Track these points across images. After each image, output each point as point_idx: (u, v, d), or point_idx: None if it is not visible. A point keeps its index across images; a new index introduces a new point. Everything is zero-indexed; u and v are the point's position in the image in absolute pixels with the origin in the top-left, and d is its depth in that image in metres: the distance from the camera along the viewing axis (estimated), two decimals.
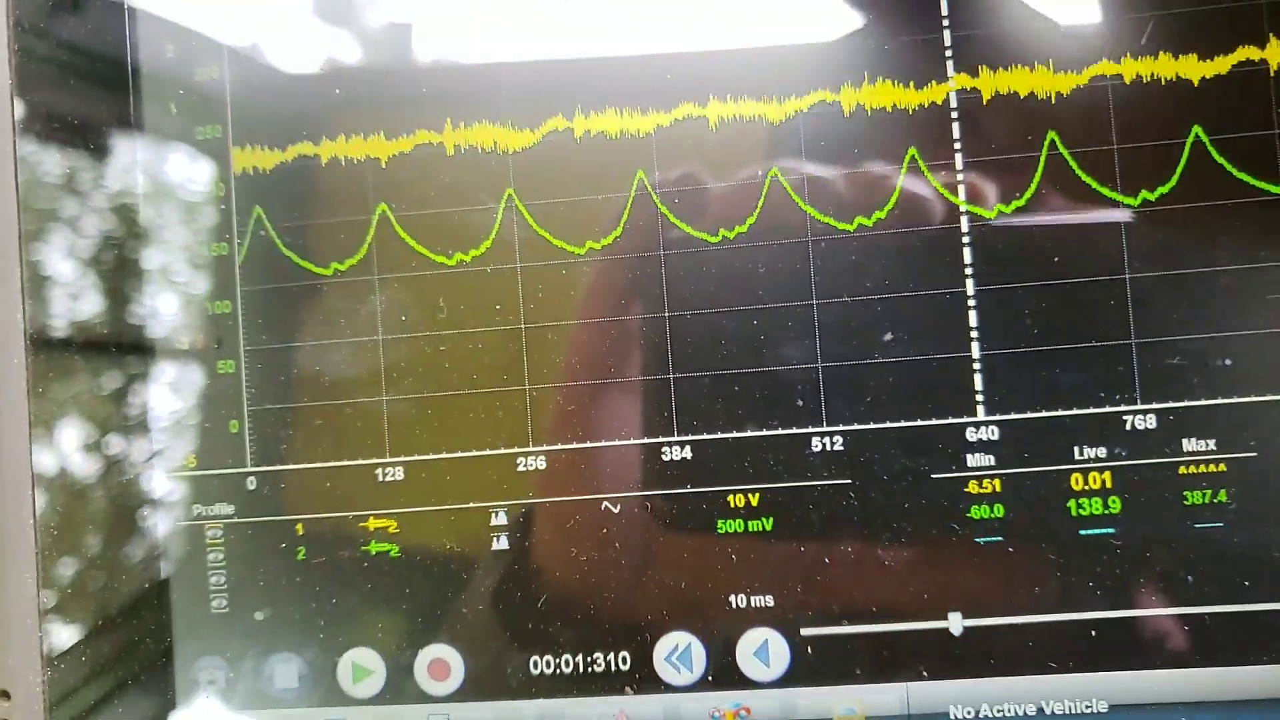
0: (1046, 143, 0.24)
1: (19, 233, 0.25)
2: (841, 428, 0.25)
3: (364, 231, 0.26)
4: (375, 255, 0.26)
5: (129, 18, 0.26)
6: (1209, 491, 0.24)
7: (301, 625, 0.26)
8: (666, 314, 0.25)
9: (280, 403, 0.26)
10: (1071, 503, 0.24)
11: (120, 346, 0.26)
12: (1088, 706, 0.24)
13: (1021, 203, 0.24)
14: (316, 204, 0.26)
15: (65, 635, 0.26)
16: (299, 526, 0.26)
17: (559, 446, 0.25)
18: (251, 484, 0.26)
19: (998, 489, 0.24)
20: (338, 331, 0.26)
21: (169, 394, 0.26)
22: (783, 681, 0.25)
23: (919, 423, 0.25)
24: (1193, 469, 0.24)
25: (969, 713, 0.24)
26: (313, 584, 0.26)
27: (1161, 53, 0.24)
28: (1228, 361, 0.24)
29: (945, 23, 0.25)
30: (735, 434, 0.25)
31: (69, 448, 0.26)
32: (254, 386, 0.26)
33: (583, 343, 0.25)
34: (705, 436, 0.25)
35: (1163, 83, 0.24)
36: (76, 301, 0.26)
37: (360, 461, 0.26)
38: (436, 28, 0.26)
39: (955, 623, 0.24)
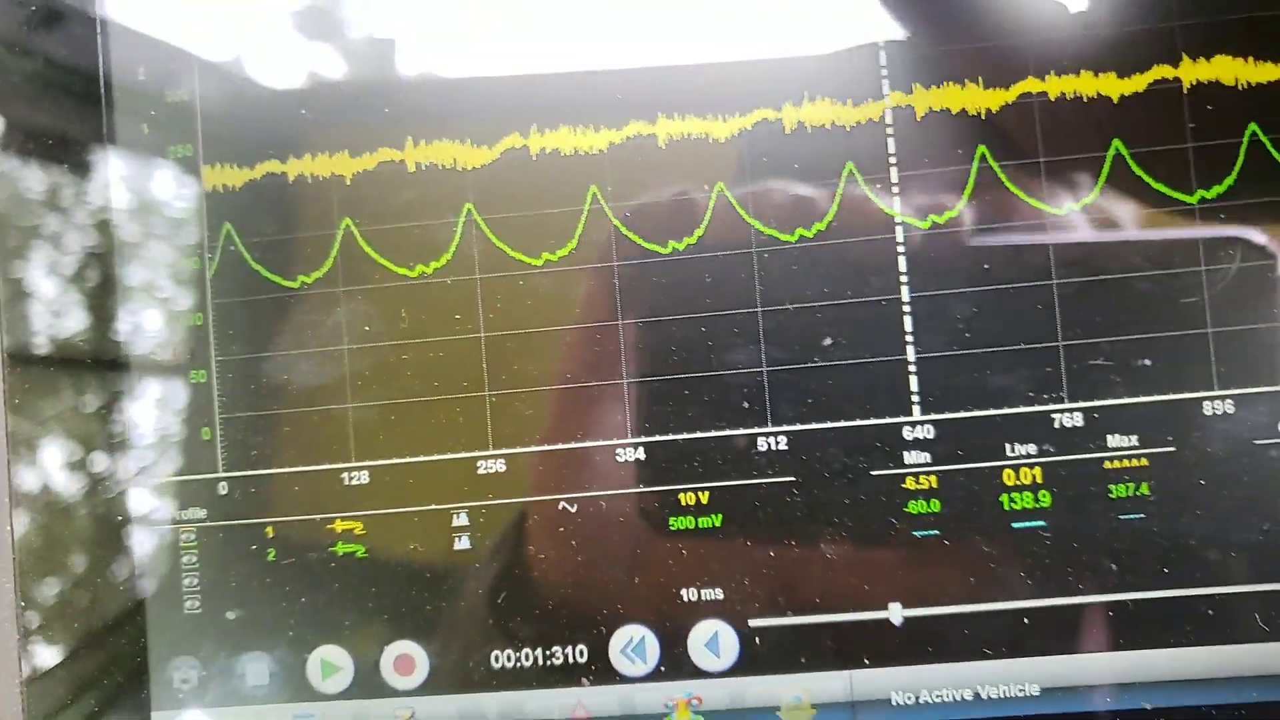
0: (977, 157, 0.26)
1: None
2: (785, 428, 0.26)
3: (329, 245, 0.27)
4: (340, 268, 0.27)
5: (102, 37, 0.27)
6: (1132, 485, 0.25)
7: (272, 624, 0.27)
8: (619, 322, 0.26)
9: (250, 411, 0.27)
10: (1004, 497, 0.26)
11: (95, 360, 0.27)
12: (1021, 690, 0.25)
13: (954, 213, 0.26)
14: (284, 220, 0.27)
15: (42, 640, 0.27)
16: (269, 529, 0.27)
17: (517, 450, 0.27)
18: (223, 489, 0.27)
19: (934, 485, 0.26)
20: (305, 342, 0.27)
21: (143, 405, 0.27)
22: (732, 671, 0.26)
23: (858, 422, 0.26)
24: (1117, 464, 0.25)
25: (910, 699, 0.26)
26: (282, 584, 0.27)
27: (1084, 71, 0.26)
28: (1148, 361, 0.25)
29: (881, 43, 0.26)
30: (686, 435, 0.26)
31: (46, 460, 0.27)
32: (225, 395, 0.27)
33: (540, 351, 0.26)
34: (657, 438, 0.26)
35: (1085, 99, 0.26)
36: (53, 318, 0.27)
37: (327, 466, 0.27)
38: (397, 49, 0.27)
39: (895, 613, 0.26)
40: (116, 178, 0.27)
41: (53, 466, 0.27)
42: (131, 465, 0.27)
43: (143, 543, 0.27)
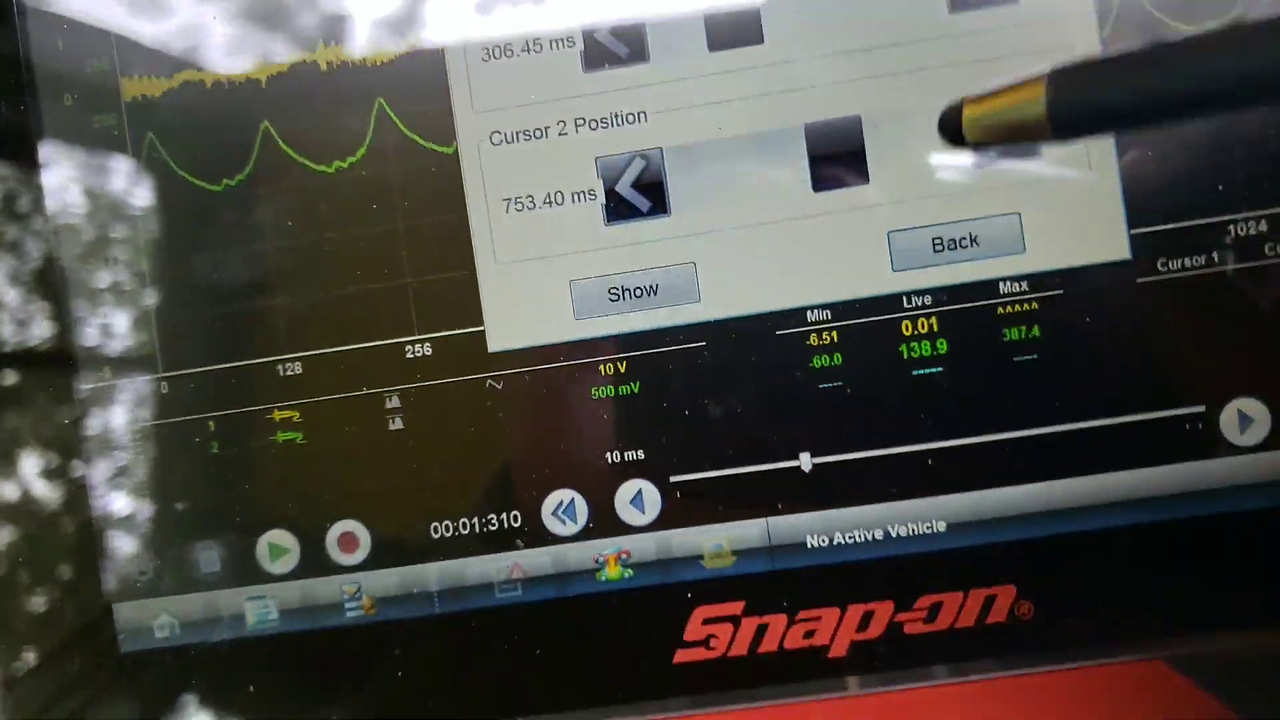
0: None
1: None
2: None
3: (249, 148, 0.28)
4: (261, 169, 0.28)
5: None
6: (1024, 328, 0.27)
7: (219, 513, 0.28)
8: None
9: (185, 311, 0.28)
10: (903, 347, 0.27)
11: (39, 277, 0.28)
12: (929, 527, 0.27)
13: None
14: (204, 126, 0.28)
15: (3, 542, 0.28)
16: (211, 424, 0.28)
17: (442, 333, 0.28)
18: (164, 388, 0.28)
19: (835, 340, 0.27)
20: (232, 242, 0.28)
21: (81, 313, 0.28)
22: (656, 525, 0.27)
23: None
24: (1010, 309, 0.27)
25: (823, 541, 0.27)
26: (226, 475, 0.28)
27: None
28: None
29: None
30: (606, 316, 0.27)
31: None
32: (160, 298, 0.28)
33: (457, 236, 0.28)
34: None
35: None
36: None
37: (261, 360, 0.28)
38: None
39: (805, 461, 0.27)
40: (34, 88, 0.28)
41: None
42: (74, 374, 0.28)
43: (91, 445, 0.28)
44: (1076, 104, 0.19)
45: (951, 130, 0.23)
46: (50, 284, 0.28)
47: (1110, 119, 0.20)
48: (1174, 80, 0.18)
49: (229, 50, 0.28)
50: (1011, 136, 0.21)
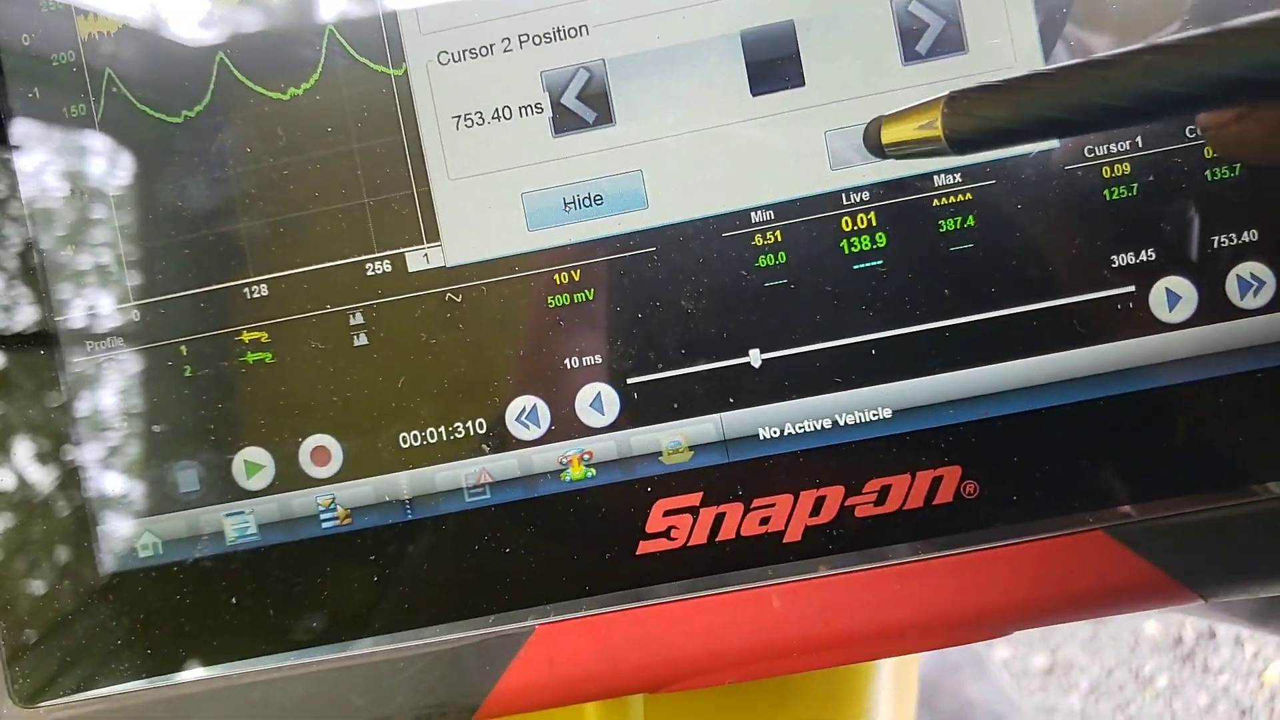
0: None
1: None
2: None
3: (207, 80, 0.29)
4: (218, 98, 0.29)
5: None
6: (959, 219, 0.28)
7: (195, 434, 0.29)
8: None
9: (151, 241, 0.29)
10: (844, 242, 0.28)
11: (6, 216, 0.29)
12: (875, 415, 0.28)
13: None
14: (161, 60, 0.29)
15: None
16: (183, 348, 0.29)
17: (400, 250, 0.29)
18: (135, 315, 0.29)
19: (779, 239, 0.28)
20: (193, 170, 0.29)
21: (49, 245, 0.29)
22: (616, 425, 0.29)
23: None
24: (944, 200, 0.28)
25: (775, 433, 0.28)
26: (200, 396, 0.29)
27: None
28: None
29: None
30: (557, 227, 0.28)
31: None
32: (126, 229, 0.29)
33: (409, 155, 0.28)
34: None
35: None
36: None
37: (228, 284, 0.29)
38: None
39: (755, 357, 0.28)
40: None
41: None
42: (46, 306, 0.29)
43: (69, 373, 0.29)
44: (969, 127, 0.22)
45: (873, 145, 0.25)
46: (18, 222, 0.29)
47: (1001, 138, 0.22)
48: (1050, 106, 0.20)
49: None
50: (922, 152, 0.24)
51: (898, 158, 0.26)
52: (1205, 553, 0.27)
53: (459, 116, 0.28)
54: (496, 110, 0.28)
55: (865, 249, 0.28)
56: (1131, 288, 0.28)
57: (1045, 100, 0.20)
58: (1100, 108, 0.20)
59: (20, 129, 0.29)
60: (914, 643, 0.28)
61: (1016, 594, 0.28)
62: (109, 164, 0.29)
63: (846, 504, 0.28)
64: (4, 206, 0.29)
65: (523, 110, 0.28)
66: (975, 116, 0.22)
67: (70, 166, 0.29)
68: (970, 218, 0.28)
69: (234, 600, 0.29)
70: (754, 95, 0.28)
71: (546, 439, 0.29)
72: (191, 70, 0.29)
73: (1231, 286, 0.27)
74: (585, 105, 0.28)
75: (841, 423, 0.28)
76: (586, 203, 0.28)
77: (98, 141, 0.29)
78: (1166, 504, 0.28)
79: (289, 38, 0.29)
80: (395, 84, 0.28)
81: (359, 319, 0.29)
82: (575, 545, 0.28)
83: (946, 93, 0.23)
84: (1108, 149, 0.27)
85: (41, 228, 0.29)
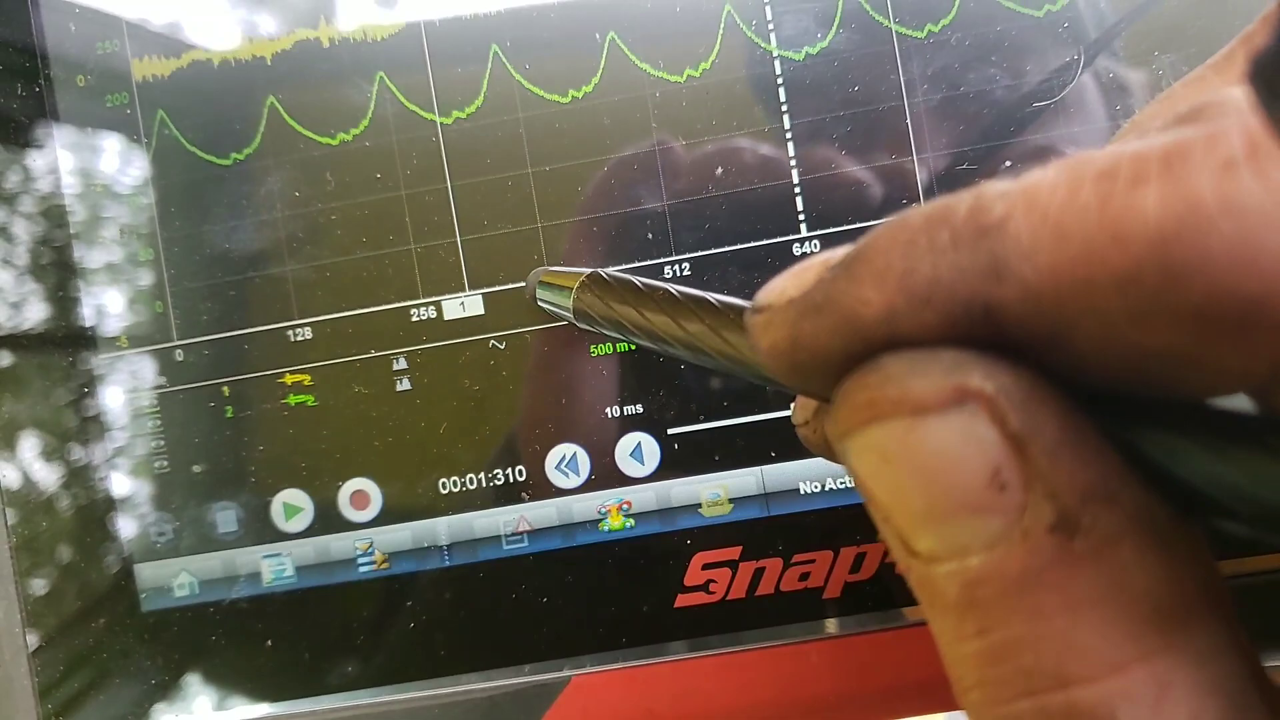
0: None
1: None
2: (688, 255, 0.28)
3: (256, 122, 0.29)
4: (268, 142, 0.29)
5: None
6: None
7: (235, 475, 0.29)
8: (529, 169, 0.29)
9: (197, 282, 0.29)
10: None
11: (58, 259, 0.29)
12: None
13: (825, 44, 0.28)
14: (212, 102, 0.29)
15: (25, 506, 0.29)
16: (225, 389, 0.29)
17: (445, 296, 0.29)
18: (179, 356, 0.29)
19: None
20: (242, 212, 0.29)
21: (97, 284, 0.29)
22: (656, 476, 0.29)
23: (752, 244, 0.28)
24: None
25: (816, 487, 0.28)
26: (241, 437, 0.29)
27: None
28: (1008, 164, 0.28)
29: None
30: (595, 269, 0.29)
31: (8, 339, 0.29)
32: (173, 269, 0.29)
33: (457, 201, 0.29)
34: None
35: None
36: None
37: (273, 326, 0.29)
38: None
39: None
40: (49, 74, 0.29)
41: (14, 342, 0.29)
42: (92, 344, 0.29)
43: (110, 413, 0.29)
44: (583, 314, 0.24)
45: (530, 293, 0.28)
46: (67, 260, 0.29)
47: (609, 335, 0.24)
48: (640, 332, 0.22)
49: (235, 29, 0.29)
50: (559, 316, 0.26)
51: (543, 310, 0.27)
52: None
53: None
54: None
55: None
56: None
57: (632, 321, 0.22)
58: (669, 349, 0.21)
59: (72, 168, 0.29)
60: (955, 701, 0.28)
61: None
62: (157, 205, 0.29)
63: (887, 561, 0.28)
64: (52, 245, 0.29)
65: None
66: (588, 307, 0.24)
67: (119, 206, 0.29)
68: None
69: (269, 642, 0.29)
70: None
71: (586, 488, 0.29)
72: (242, 114, 0.29)
73: None
74: None
75: None
76: None
77: (147, 182, 0.29)
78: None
79: (339, 83, 0.29)
80: (443, 131, 0.29)
81: (402, 364, 0.29)
82: (613, 596, 0.28)
83: (588, 271, 0.24)
84: None
85: (88, 266, 0.29)
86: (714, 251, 0.28)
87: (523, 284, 0.29)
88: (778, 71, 0.28)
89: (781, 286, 0.15)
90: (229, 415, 0.29)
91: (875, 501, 0.14)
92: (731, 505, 0.28)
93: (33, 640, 0.29)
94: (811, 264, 0.15)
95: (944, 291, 0.13)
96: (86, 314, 0.29)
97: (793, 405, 0.21)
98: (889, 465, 0.13)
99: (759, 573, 0.28)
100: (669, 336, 0.20)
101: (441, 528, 0.29)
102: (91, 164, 0.29)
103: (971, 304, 0.12)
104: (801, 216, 0.28)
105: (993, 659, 0.13)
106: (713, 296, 0.19)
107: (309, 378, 0.29)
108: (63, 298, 0.29)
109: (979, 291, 0.12)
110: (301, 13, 0.29)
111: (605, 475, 0.29)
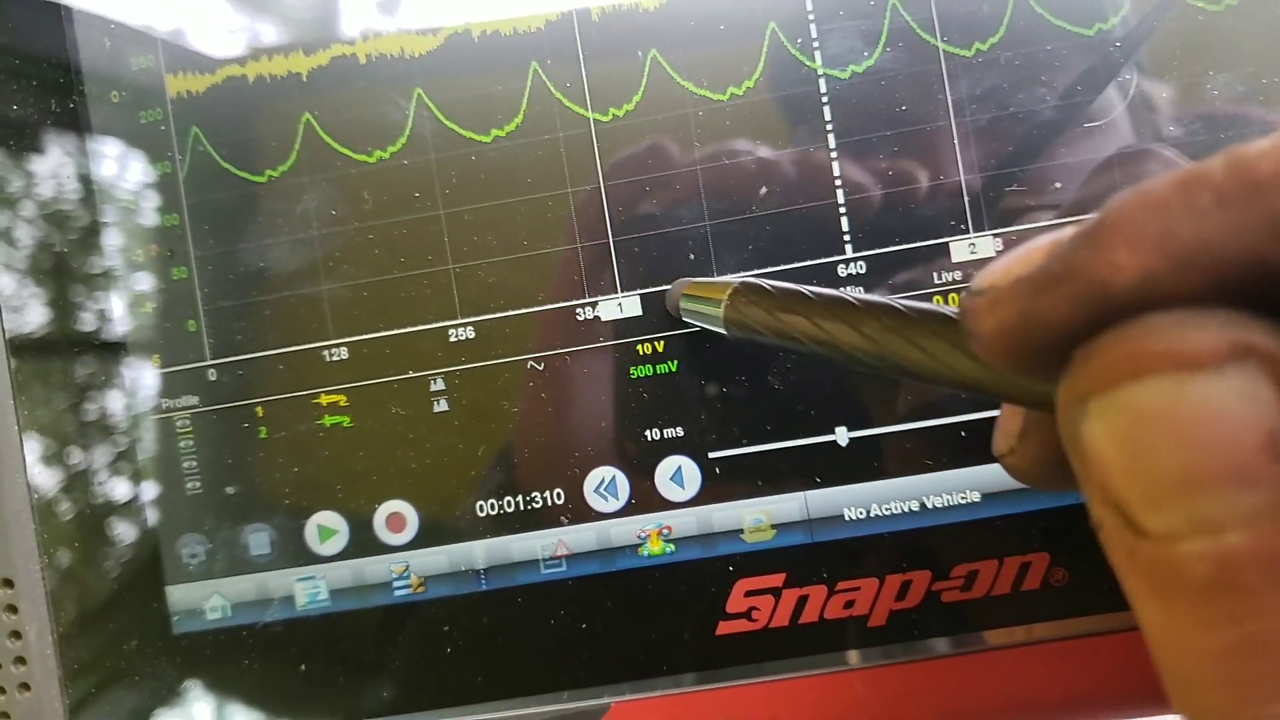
0: (889, 7, 0.28)
1: None
2: (730, 276, 0.28)
3: (292, 139, 0.29)
4: (304, 159, 0.29)
5: None
6: None
7: (269, 496, 0.29)
8: (569, 189, 0.28)
9: (231, 300, 0.29)
10: None
11: (85, 271, 0.29)
12: (963, 498, 0.28)
13: (871, 62, 0.28)
14: (247, 119, 0.29)
15: (58, 527, 0.29)
16: (259, 409, 0.29)
17: (484, 316, 0.28)
18: (212, 375, 0.29)
19: None
20: (277, 231, 0.29)
21: (130, 302, 0.29)
22: (697, 500, 0.28)
23: (795, 265, 0.28)
24: None
25: (860, 513, 0.28)
26: (275, 458, 0.29)
27: None
28: (1058, 185, 0.27)
29: None
30: (640, 291, 0.28)
31: (45, 360, 0.29)
32: (206, 287, 0.29)
33: (496, 221, 0.28)
34: (613, 297, 0.28)
35: None
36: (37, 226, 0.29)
37: (308, 345, 0.29)
38: None
39: (841, 435, 0.28)
40: (83, 89, 0.29)
41: (52, 367, 0.29)
42: (124, 362, 0.29)
43: (144, 433, 0.29)
44: (738, 324, 0.23)
45: (672, 304, 0.27)
46: (99, 276, 0.29)
47: (767, 344, 0.22)
48: (805, 338, 0.20)
49: (270, 45, 0.29)
50: (708, 327, 0.25)
51: (688, 321, 0.27)
52: None
53: None
54: None
55: None
56: None
57: (802, 330, 0.20)
58: (846, 357, 0.19)
59: (104, 185, 0.29)
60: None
61: (1106, 685, 0.27)
62: (190, 222, 0.29)
63: (933, 589, 0.27)
64: (85, 261, 0.29)
65: None
66: (746, 317, 0.22)
67: (152, 223, 0.29)
68: None
69: (303, 667, 0.29)
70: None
71: (625, 512, 0.28)
72: (277, 130, 0.29)
73: None
74: None
75: (929, 505, 0.28)
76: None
77: (180, 199, 0.29)
78: None
79: (377, 100, 0.29)
80: (483, 151, 0.28)
81: (440, 384, 0.29)
82: (653, 623, 0.28)
83: (738, 281, 0.23)
84: None
85: (121, 283, 0.29)
86: (757, 272, 0.28)
87: (561, 304, 0.28)
88: (822, 90, 0.28)
89: (1004, 267, 0.14)
90: (263, 436, 0.29)
91: (1108, 470, 0.13)
92: (774, 531, 0.28)
93: (64, 662, 0.29)
94: (1037, 244, 0.14)
95: (1213, 253, 0.12)
96: (117, 332, 0.29)
97: (995, 436, 0.21)
98: (1142, 426, 0.12)
99: (803, 600, 0.28)
100: (850, 345, 0.19)
101: (478, 551, 0.28)
102: (124, 181, 0.29)
103: (1246, 264, 0.12)
104: (846, 237, 0.28)
105: (1247, 653, 0.12)
106: (895, 300, 0.19)
107: (344, 398, 0.29)
108: (92, 315, 0.29)
109: (1258, 250, 0.12)
110: (338, 29, 0.29)
111: (645, 499, 0.28)
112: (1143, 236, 0.12)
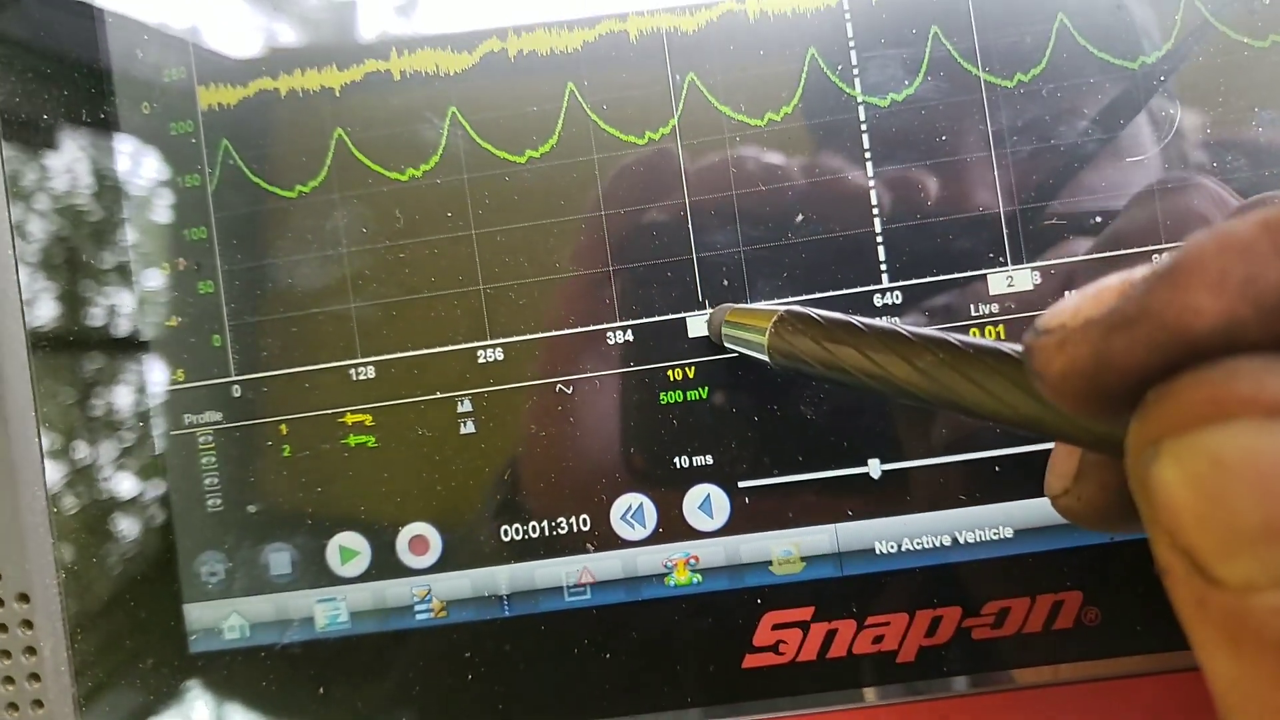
0: (931, 35, 0.27)
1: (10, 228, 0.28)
2: (773, 303, 0.28)
3: (323, 155, 0.28)
4: (335, 175, 0.28)
5: None
6: None
7: (291, 515, 0.29)
8: (603, 212, 0.28)
9: (258, 316, 0.29)
10: None
11: (106, 270, 0.29)
12: (995, 534, 0.27)
13: (911, 90, 0.27)
14: (279, 133, 0.29)
15: (76, 542, 0.28)
16: (283, 427, 0.29)
17: (514, 338, 0.28)
18: (236, 392, 0.29)
19: None
20: (306, 247, 0.28)
21: (155, 315, 0.29)
22: (725, 530, 0.28)
23: (831, 294, 0.27)
24: None
25: (892, 547, 0.27)
26: (299, 477, 0.28)
27: None
28: (1098, 219, 0.27)
29: None
30: (671, 316, 0.28)
31: (64, 350, 0.28)
32: (233, 303, 0.29)
33: (529, 243, 0.28)
34: (644, 320, 0.28)
35: None
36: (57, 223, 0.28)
37: (334, 364, 0.28)
38: None
39: (874, 468, 0.27)
40: (115, 100, 0.29)
41: (71, 357, 0.28)
42: (148, 376, 0.29)
43: (166, 448, 0.29)
44: (783, 353, 0.22)
45: (714, 329, 0.27)
46: (125, 289, 0.29)
47: (810, 375, 0.22)
48: (852, 370, 0.20)
49: (303, 59, 0.28)
50: (750, 355, 0.24)
51: (728, 348, 0.26)
52: None
53: None
54: None
55: None
56: None
57: (852, 362, 0.20)
58: (897, 390, 0.19)
59: (133, 195, 0.29)
60: None
61: None
62: (220, 235, 0.29)
63: (963, 625, 0.27)
64: (110, 274, 0.29)
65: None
66: (792, 346, 0.22)
67: (179, 236, 0.29)
68: None
69: (321, 690, 0.28)
70: None
71: (652, 540, 0.28)
72: (309, 146, 0.28)
73: None
74: None
75: (961, 540, 0.27)
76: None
77: (209, 212, 0.29)
78: None
79: (410, 118, 0.28)
80: (517, 172, 0.28)
81: (467, 406, 0.28)
82: (678, 654, 0.27)
83: (783, 309, 0.22)
84: None
85: (147, 297, 0.29)
86: (791, 299, 0.27)
87: (592, 327, 0.28)
88: (862, 118, 0.27)
89: (1073, 307, 0.14)
90: (286, 454, 0.29)
91: (1180, 515, 0.13)
92: (804, 564, 0.27)
93: (78, 679, 0.28)
94: (1107, 284, 0.14)
95: None
96: (141, 346, 0.29)
97: (1047, 476, 0.20)
98: (1221, 471, 0.12)
99: (831, 634, 0.27)
100: (903, 379, 0.18)
101: (502, 576, 0.28)
102: (152, 193, 0.29)
103: None
104: (884, 266, 0.27)
105: None
106: (950, 334, 0.18)
107: (370, 418, 0.28)
108: (117, 328, 0.29)
109: None
110: (372, 44, 0.28)
111: (672, 528, 0.28)
112: (1225, 280, 0.12)
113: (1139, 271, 0.13)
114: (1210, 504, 0.12)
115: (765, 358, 0.23)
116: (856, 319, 0.20)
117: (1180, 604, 0.13)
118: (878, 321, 0.20)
